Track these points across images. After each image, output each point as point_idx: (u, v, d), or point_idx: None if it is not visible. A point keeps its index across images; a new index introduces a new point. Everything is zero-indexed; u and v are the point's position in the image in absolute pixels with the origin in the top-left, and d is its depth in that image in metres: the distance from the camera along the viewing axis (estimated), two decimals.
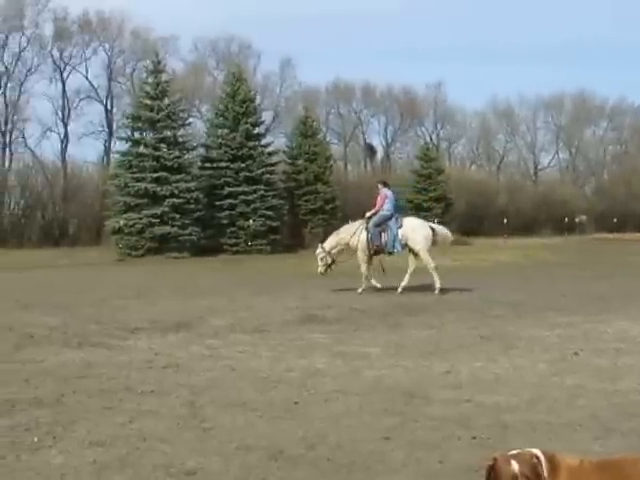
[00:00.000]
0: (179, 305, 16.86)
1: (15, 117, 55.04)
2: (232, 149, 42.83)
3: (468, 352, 10.97)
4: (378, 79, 70.42)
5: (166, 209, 38.70)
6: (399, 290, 19.25)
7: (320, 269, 20.81)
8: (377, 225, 20.18)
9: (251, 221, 41.09)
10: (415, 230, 20.19)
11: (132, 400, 8.05)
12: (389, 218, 20.24)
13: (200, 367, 9.88)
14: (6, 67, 54.74)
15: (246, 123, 43.61)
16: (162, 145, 40.83)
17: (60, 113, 57.55)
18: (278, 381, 9.06)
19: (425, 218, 40.52)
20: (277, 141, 52.35)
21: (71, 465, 5.98)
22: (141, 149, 40.74)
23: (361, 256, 20.15)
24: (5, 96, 54.58)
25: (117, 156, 44.18)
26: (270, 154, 45.60)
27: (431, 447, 6.45)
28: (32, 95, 56.52)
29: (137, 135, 42.60)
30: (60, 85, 57.67)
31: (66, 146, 56.75)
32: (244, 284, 22.62)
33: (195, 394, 8.31)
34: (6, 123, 54.32)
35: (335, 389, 8.62)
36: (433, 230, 20.59)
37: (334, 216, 45.50)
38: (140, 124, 42.06)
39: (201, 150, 45.31)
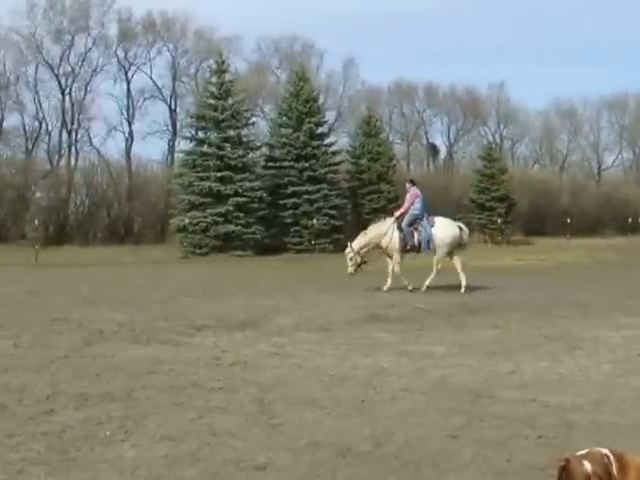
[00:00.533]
0: (244, 303, 17.01)
1: (81, 116, 55.80)
2: (296, 148, 43.00)
3: (532, 352, 10.96)
4: (441, 79, 70.28)
5: (230, 208, 38.97)
6: (462, 290, 19.30)
7: (350, 269, 20.71)
8: (410, 224, 20.19)
9: (314, 220, 41.17)
10: (445, 228, 20.36)
11: (201, 396, 8.18)
12: (420, 217, 20.28)
13: (267, 365, 9.98)
14: (72, 67, 55.51)
15: (309, 123, 43.71)
16: (226, 144, 41.16)
17: (125, 112, 58.30)
18: (344, 379, 9.13)
19: (489, 218, 39.99)
20: (340, 140, 52.45)
21: (143, 459, 6.10)
22: (205, 148, 41.08)
23: (397, 257, 20.16)
24: (71, 96, 55.40)
25: (181, 155, 44.55)
26: (333, 153, 45.69)
27: (498, 446, 6.48)
28: (97, 95, 57.34)
29: (201, 134, 42.96)
30: (125, 85, 58.42)
31: (131, 145, 57.49)
32: (308, 283, 22.72)
33: (263, 391, 8.42)
34: (72, 122, 55.11)
35: (401, 387, 8.68)
36: (461, 229, 20.73)
37: None
38: (204, 123, 42.40)
39: (265, 149, 45.48)
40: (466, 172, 59.34)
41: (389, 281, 19.87)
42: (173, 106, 59.28)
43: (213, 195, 39.34)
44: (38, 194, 48.95)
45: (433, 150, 71.60)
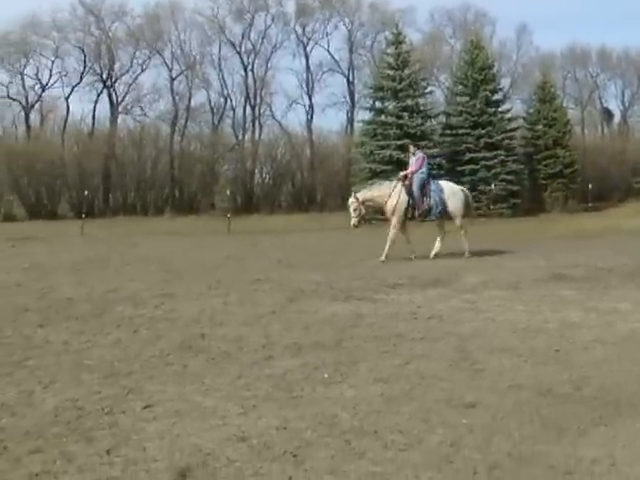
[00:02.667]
0: (433, 264, 17.55)
1: (263, 91, 57.47)
2: (472, 116, 43.19)
3: None
4: (614, 42, 68.29)
5: None
6: (432, 254, 19.22)
7: (353, 221, 19.77)
8: (421, 188, 19.50)
9: (492, 185, 41.26)
10: (455, 194, 19.93)
11: (405, 345, 8.76)
12: (428, 181, 19.72)
13: (462, 318, 10.48)
14: (253, 45, 57.21)
15: (485, 90, 43.80)
16: (404, 113, 41.72)
17: (304, 86, 59.52)
18: (537, 331, 9.52)
19: None
20: (515, 107, 52.04)
21: (361, 397, 6.72)
22: (384, 118, 41.76)
23: (396, 220, 19.33)
24: (253, 72, 57.10)
25: (362, 125, 45.28)
26: (509, 120, 45.63)
27: None
28: (278, 70, 59.11)
29: (379, 104, 43.68)
30: (304, 59, 59.65)
31: (311, 117, 58.63)
32: (491, 245, 22.95)
33: (462, 341, 8.93)
34: (255, 97, 56.82)
35: (592, 339, 8.98)
36: (463, 192, 20.36)
37: (573, 180, 45.12)
38: (382, 94, 43.10)
39: (442, 118, 45.81)
40: None
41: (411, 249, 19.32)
42: (351, 78, 60.08)
43: (393, 163, 39.84)
44: (225, 167, 50.95)
45: (607, 114, 69.74)
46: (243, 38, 57.08)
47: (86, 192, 40.92)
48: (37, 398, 6.85)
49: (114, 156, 49.37)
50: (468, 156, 42.25)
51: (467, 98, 43.99)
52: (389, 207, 19.40)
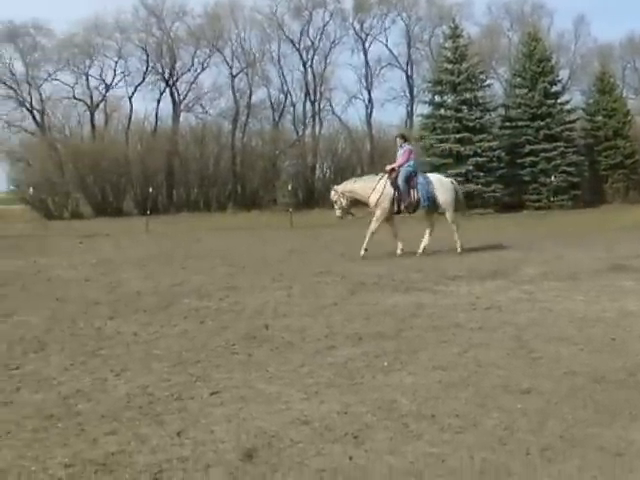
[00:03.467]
0: (491, 256, 17.66)
1: (322, 87, 57.79)
2: (531, 108, 43.14)
3: None
4: None
5: (470, 168, 39.68)
6: (419, 250, 18.89)
7: (337, 213, 19.88)
8: (407, 181, 19.09)
9: (552, 177, 41.12)
10: (444, 186, 19.49)
11: (463, 335, 8.97)
12: (415, 174, 19.30)
13: (520, 308, 10.66)
14: (312, 41, 57.63)
15: (543, 82, 43.71)
16: (463, 107, 41.83)
17: (363, 81, 59.72)
18: (594, 320, 9.66)
19: None
20: (574, 98, 51.67)
21: (420, 383, 6.95)
22: (443, 111, 41.87)
23: (380, 214, 19.16)
24: (312, 68, 57.53)
25: (421, 119, 45.39)
26: (568, 112, 45.41)
27: None
28: (337, 66, 59.64)
29: (438, 98, 43.76)
30: (362, 55, 59.86)
31: (371, 112, 58.79)
32: (550, 237, 23.03)
33: (519, 330, 9.12)
34: (315, 93, 57.19)
35: None
36: (452, 184, 19.92)
37: (634, 171, 44.82)
38: (441, 87, 43.19)
39: (501, 110, 45.74)
40: None
41: (399, 245, 19.09)
42: (409, 72, 60.17)
43: (453, 156, 40.10)
44: (286, 162, 51.42)
45: None
46: (302, 35, 57.58)
47: (150, 189, 41.54)
48: (110, 385, 7.21)
49: (177, 153, 50.15)
50: (528, 148, 42.19)
51: (526, 90, 43.89)
52: (372, 200, 19.23)
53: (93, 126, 56.39)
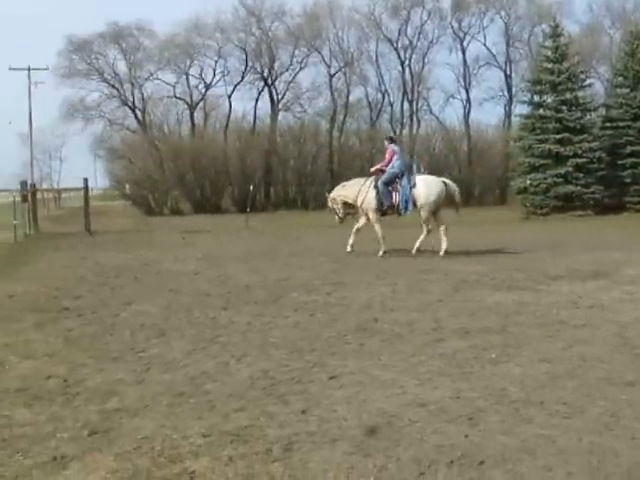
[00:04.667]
0: (591, 257, 17.72)
1: (420, 86, 58.00)
2: (633, 108, 42.42)
3: None
4: None
5: (569, 169, 39.38)
6: (441, 253, 18.66)
7: (336, 219, 20.49)
8: (387, 184, 19.01)
9: None
10: (429, 187, 19.04)
11: (567, 331, 9.25)
12: (399, 176, 19.06)
13: (622, 308, 10.88)
14: (410, 41, 57.86)
15: None
16: (563, 107, 41.47)
17: (461, 80, 59.68)
18: None
19: None
20: None
21: (527, 374, 7.28)
22: (543, 111, 41.64)
23: (373, 217, 19.35)
24: (410, 67, 57.74)
25: (520, 119, 45.21)
26: None
27: None
28: (434, 65, 59.70)
29: (537, 98, 43.52)
30: (460, 54, 59.80)
31: (468, 111, 58.74)
32: None
33: (622, 328, 9.37)
34: (412, 92, 57.43)
35: None
36: (446, 185, 19.40)
37: None
38: (540, 87, 42.86)
39: (601, 110, 45.20)
40: None
41: (382, 245, 19.21)
42: (508, 72, 59.88)
43: (552, 157, 39.87)
44: None
45: None
46: (400, 34, 57.83)
47: (251, 187, 42.29)
48: (233, 368, 7.72)
49: (275, 152, 50.90)
50: (629, 149, 41.55)
51: (627, 90, 43.20)
52: (359, 203, 19.53)
53: (193, 124, 57.59)
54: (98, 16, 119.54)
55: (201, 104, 58.99)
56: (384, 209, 19.42)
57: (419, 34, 57.98)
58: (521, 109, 47.27)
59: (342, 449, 5.33)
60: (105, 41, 59.10)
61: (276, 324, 10.04)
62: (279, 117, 57.59)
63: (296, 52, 57.76)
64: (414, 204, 19.10)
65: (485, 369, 7.53)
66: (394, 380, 7.10)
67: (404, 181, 19.11)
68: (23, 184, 33.40)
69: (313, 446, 5.42)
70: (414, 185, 19.05)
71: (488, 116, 66.74)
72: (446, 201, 19.59)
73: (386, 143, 20.25)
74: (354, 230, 19.79)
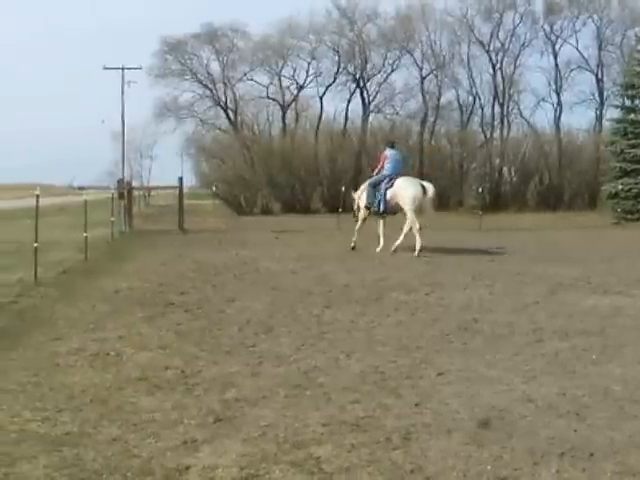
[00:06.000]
0: None
1: (511, 90, 57.80)
2: None
3: None
4: None
5: None
6: (415, 253, 19.22)
7: (354, 216, 22.34)
8: (374, 185, 20.60)
9: None
10: (406, 189, 19.82)
11: None
12: (383, 179, 20.39)
13: None
14: (502, 43, 57.71)
15: None
16: None
17: (553, 84, 59.22)
18: None
19: None
20: None
21: (629, 374, 7.50)
22: (635, 116, 41.19)
23: (361, 213, 21.42)
24: (502, 70, 57.62)
25: (611, 123, 44.84)
26: None
27: None
28: (526, 68, 59.25)
29: (629, 102, 43.05)
30: (552, 57, 59.42)
31: (559, 115, 58.27)
32: None
33: None
34: (503, 95, 57.26)
35: None
36: (424, 188, 19.89)
37: None
38: (632, 92, 42.38)
39: None
40: None
41: (381, 242, 20.73)
42: (600, 75, 59.23)
43: None
44: (473, 165, 51.81)
45: None
46: (492, 37, 57.76)
47: (343, 188, 42.65)
48: (343, 363, 8.10)
49: (366, 153, 51.15)
50: None
51: None
52: (360, 203, 21.68)
53: (284, 125, 58.28)
54: (193, 17, 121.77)
55: (293, 105, 59.62)
56: (369, 208, 21.06)
57: (511, 37, 57.89)
58: (613, 113, 47.00)
59: (457, 439, 5.67)
60: (199, 42, 60.17)
61: (379, 322, 10.40)
62: (370, 119, 58.02)
63: (388, 54, 58.17)
64: (393, 204, 20.36)
65: (587, 369, 7.79)
66: (500, 377, 7.40)
67: (384, 182, 20.53)
68: (120, 182, 34.34)
69: (430, 436, 5.76)
70: (391, 186, 20.31)
71: (579, 120, 66.26)
72: (422, 202, 20.15)
73: (382, 147, 22.77)
74: (380, 231, 21.30)
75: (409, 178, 21.17)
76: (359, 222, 21.47)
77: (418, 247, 19.31)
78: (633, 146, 40.02)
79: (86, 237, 18.85)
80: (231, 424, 6.11)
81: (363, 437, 5.76)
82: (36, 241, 14.74)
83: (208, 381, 7.38)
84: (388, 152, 21.18)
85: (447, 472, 5.10)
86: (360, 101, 58.46)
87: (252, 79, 59.61)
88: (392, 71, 58.44)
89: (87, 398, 6.80)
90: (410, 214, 19.82)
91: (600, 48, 59.32)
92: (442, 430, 5.88)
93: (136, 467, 5.23)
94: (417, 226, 19.59)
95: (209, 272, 16.29)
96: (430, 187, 20.23)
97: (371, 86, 58.72)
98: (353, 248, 21.07)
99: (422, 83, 57.57)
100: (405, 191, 19.98)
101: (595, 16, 59.16)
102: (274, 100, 59.20)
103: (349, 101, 58.40)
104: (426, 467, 5.18)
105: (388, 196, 20.26)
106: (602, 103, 58.56)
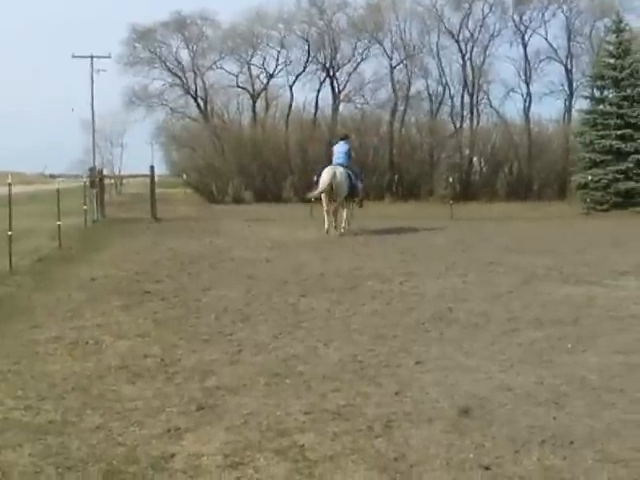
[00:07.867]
0: None
1: (480, 80, 57.88)
2: None
3: None
4: None
5: (630, 165, 39.11)
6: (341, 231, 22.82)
7: None
8: (317, 175, 23.77)
9: None
10: (322, 175, 22.52)
11: (639, 325, 9.56)
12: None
13: None
14: (471, 33, 57.76)
15: None
16: (625, 103, 41.21)
17: (522, 74, 59.37)
18: None
19: None
20: None
21: (604, 363, 7.62)
22: (604, 107, 41.47)
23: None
24: (471, 60, 57.65)
25: (580, 114, 45.08)
26: None
27: None
28: (495, 58, 59.46)
29: (598, 93, 43.31)
30: (521, 48, 59.52)
31: (529, 106, 58.42)
32: None
33: None
34: (472, 86, 57.38)
35: None
36: (334, 176, 22.10)
37: None
38: (602, 82, 42.62)
39: None
40: None
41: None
42: (569, 66, 59.48)
43: (613, 153, 39.65)
44: (443, 155, 51.95)
45: None
46: (461, 27, 57.66)
47: (315, 177, 42.72)
48: (321, 352, 8.17)
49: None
50: None
51: None
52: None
53: (254, 114, 58.14)
54: (162, 5, 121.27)
55: (263, 94, 59.47)
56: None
57: (480, 27, 57.74)
58: (582, 104, 47.04)
59: (439, 428, 5.75)
60: (168, 30, 59.78)
61: (355, 311, 10.49)
62: (340, 108, 57.95)
63: (358, 44, 58.02)
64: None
65: (563, 358, 7.90)
66: (478, 366, 7.50)
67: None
68: (92, 170, 34.17)
69: (411, 424, 5.84)
70: (319, 174, 23.18)
71: (548, 111, 66.65)
72: (334, 185, 22.48)
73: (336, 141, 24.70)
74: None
75: (330, 166, 23.11)
76: (324, 206, 23.11)
77: (342, 225, 23.10)
78: (602, 137, 40.24)
79: (59, 225, 18.79)
80: (213, 412, 6.18)
81: (345, 425, 5.83)
82: (10, 230, 14.68)
83: (188, 369, 7.45)
84: (335, 146, 23.91)
85: (430, 460, 5.17)
86: (330, 90, 58.38)
87: (222, 67, 59.32)
88: (362, 60, 58.32)
89: (69, 386, 6.83)
90: (339, 199, 22.77)
91: (569, 39, 59.52)
92: (423, 418, 5.96)
93: (121, 455, 5.27)
94: (349, 208, 23.44)
95: (184, 261, 16.32)
96: (338, 172, 22.45)
97: (341, 75, 58.62)
98: (327, 232, 22.73)
99: (392, 73, 57.49)
100: (321, 177, 22.78)
101: (564, 7, 59.34)
102: (244, 89, 58.99)
103: (319, 90, 58.29)
104: (409, 455, 5.25)
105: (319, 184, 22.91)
106: (571, 94, 58.82)
